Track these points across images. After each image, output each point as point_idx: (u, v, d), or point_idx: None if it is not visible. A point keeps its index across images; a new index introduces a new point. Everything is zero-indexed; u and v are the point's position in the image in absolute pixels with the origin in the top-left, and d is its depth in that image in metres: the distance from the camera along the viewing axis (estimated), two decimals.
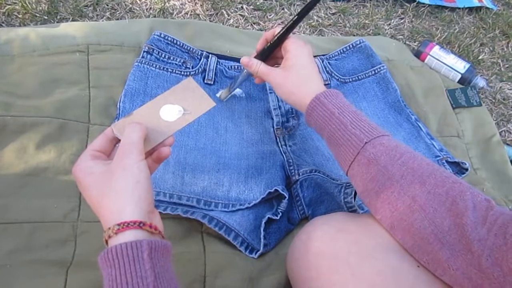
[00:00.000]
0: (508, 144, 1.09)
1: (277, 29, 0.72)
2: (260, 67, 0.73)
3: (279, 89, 0.70)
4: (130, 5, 1.07)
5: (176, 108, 0.57)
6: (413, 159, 0.55)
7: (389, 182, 0.54)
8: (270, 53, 0.74)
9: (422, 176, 0.52)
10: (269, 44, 0.73)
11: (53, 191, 0.72)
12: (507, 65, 1.29)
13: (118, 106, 0.83)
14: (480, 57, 1.26)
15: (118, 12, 1.06)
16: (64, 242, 0.69)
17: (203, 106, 0.58)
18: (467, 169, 0.94)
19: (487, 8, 1.40)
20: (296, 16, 0.69)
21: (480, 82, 1.16)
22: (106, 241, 0.46)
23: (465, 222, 0.47)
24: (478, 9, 1.40)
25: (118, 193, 0.46)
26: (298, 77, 0.68)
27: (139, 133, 0.51)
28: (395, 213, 0.53)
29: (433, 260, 0.50)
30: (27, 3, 0.98)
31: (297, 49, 0.70)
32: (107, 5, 1.06)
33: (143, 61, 0.88)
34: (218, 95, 0.91)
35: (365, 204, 0.59)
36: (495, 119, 1.14)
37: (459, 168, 0.95)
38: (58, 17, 1.00)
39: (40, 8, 1.00)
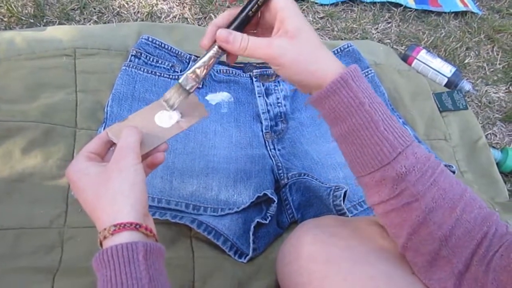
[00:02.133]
0: (493, 147, 1.11)
1: None
2: (249, 42, 0.49)
3: (289, 64, 0.49)
4: (118, 9, 1.07)
5: (171, 114, 0.58)
6: (444, 177, 0.48)
7: (416, 203, 0.47)
8: (249, 20, 0.51)
9: (453, 200, 0.47)
10: (243, 7, 0.50)
11: (39, 197, 0.71)
12: (492, 69, 1.30)
13: (105, 110, 0.82)
14: (466, 61, 1.28)
15: (105, 16, 1.05)
16: (50, 248, 0.68)
17: (197, 114, 0.59)
18: (454, 172, 0.95)
19: (472, 12, 1.42)
20: None
21: (466, 85, 1.17)
22: (101, 243, 0.46)
23: (480, 250, 0.45)
24: (463, 13, 1.42)
25: (115, 194, 0.46)
26: (314, 43, 0.49)
27: (136, 136, 0.51)
28: (414, 236, 0.49)
29: (439, 284, 0.48)
30: (12, 6, 0.97)
31: (292, 7, 0.49)
32: (94, 9, 1.05)
33: (131, 65, 0.88)
34: (207, 98, 0.91)
35: (377, 214, 0.53)
36: (481, 122, 1.15)
37: None
38: (45, 20, 1.00)
39: (26, 11, 0.99)
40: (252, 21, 0.51)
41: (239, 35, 0.49)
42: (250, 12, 0.49)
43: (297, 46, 0.48)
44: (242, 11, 0.50)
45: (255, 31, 0.53)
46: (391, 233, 0.52)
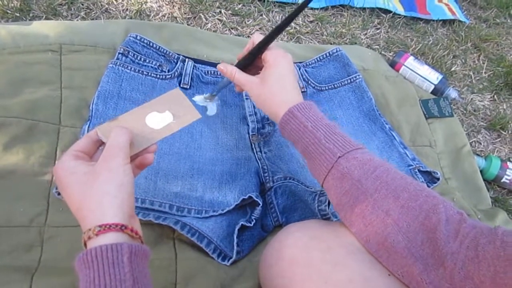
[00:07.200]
0: (477, 155, 1.12)
1: (256, 37, 0.70)
2: (235, 75, 0.71)
3: (254, 98, 0.69)
4: (106, 6, 1.05)
5: (162, 116, 0.58)
6: (386, 173, 0.55)
7: (363, 196, 0.54)
8: (250, 62, 0.72)
9: (396, 190, 0.53)
10: (248, 53, 0.71)
11: (19, 194, 0.70)
12: (478, 78, 1.32)
13: (90, 108, 0.81)
14: (452, 69, 1.29)
15: (93, 12, 1.04)
16: (30, 248, 0.66)
17: (189, 117, 0.60)
18: (438, 179, 0.96)
19: (460, 21, 1.43)
20: (277, 26, 0.68)
21: (452, 93, 1.18)
22: (85, 243, 0.45)
23: (438, 236, 0.47)
24: (451, 22, 1.44)
25: (102, 194, 0.46)
26: (273, 88, 0.66)
27: (126, 136, 0.51)
28: (369, 227, 0.53)
29: (407, 273, 0.50)
30: None
31: (276, 59, 0.68)
32: (82, 5, 1.04)
33: (118, 63, 0.87)
34: (195, 99, 0.90)
35: (340, 218, 0.58)
36: (465, 129, 1.17)
37: (430, 177, 0.96)
38: (31, 14, 0.98)
39: (12, 4, 0.97)
40: (253, 63, 0.72)
41: (230, 67, 0.71)
42: (248, 57, 0.71)
43: (261, 87, 0.67)
44: (246, 56, 0.72)
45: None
46: (353, 232, 0.56)
